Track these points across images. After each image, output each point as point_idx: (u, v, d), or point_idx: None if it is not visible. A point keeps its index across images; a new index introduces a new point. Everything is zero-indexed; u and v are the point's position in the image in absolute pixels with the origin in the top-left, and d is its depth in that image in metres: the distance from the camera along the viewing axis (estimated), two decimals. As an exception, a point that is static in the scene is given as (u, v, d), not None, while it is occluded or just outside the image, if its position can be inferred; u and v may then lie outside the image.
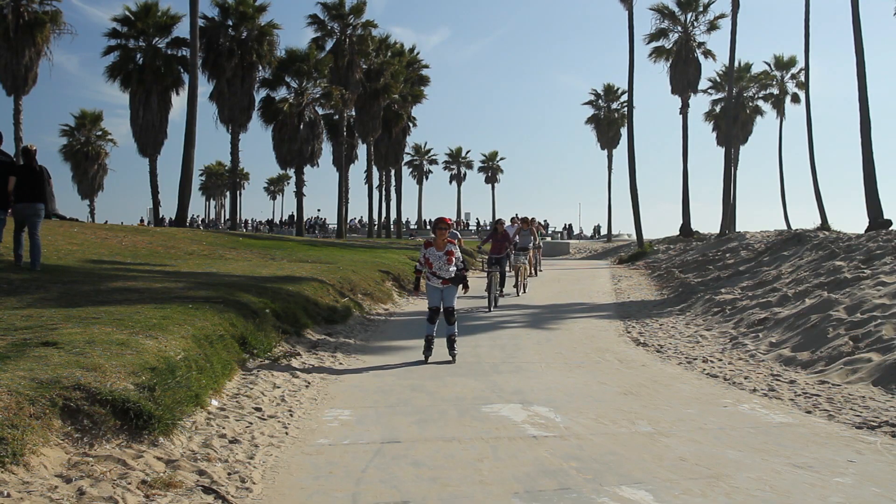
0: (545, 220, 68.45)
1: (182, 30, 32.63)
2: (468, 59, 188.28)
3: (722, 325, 11.32)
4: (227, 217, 54.84)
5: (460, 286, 8.41)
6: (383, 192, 48.63)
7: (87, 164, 45.18)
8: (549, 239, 46.26)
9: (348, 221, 49.10)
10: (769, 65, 44.77)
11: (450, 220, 8.28)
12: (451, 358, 8.24)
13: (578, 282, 20.70)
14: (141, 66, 32.18)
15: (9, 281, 8.69)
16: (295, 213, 44.80)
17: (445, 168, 78.55)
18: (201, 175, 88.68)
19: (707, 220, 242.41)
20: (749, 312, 11.47)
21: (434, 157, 76.25)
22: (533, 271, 20.59)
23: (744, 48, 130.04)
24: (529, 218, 19.78)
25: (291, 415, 5.74)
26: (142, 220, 50.08)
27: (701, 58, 36.06)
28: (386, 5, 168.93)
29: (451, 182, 78.71)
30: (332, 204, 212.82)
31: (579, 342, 10.08)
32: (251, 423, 5.37)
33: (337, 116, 41.03)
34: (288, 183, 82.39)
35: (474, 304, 13.71)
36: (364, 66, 40.16)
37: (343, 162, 42.03)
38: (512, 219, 24.35)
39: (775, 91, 44.70)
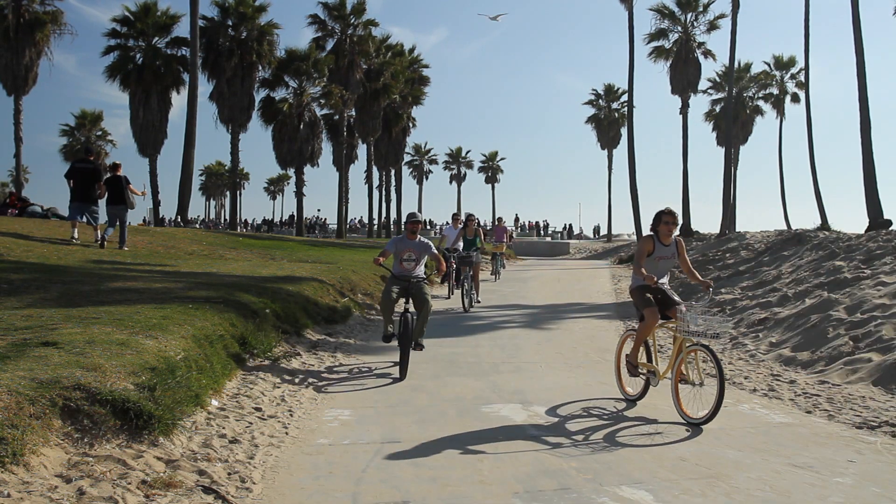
0: (544, 221, 68.34)
1: (182, 30, 32.68)
2: (467, 59, 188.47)
3: (722, 324, 11.31)
4: (227, 217, 54.83)
5: None
6: (383, 192, 48.65)
7: (87, 164, 45.14)
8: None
9: (348, 221, 49.11)
10: (769, 65, 44.82)
11: None
12: None
13: (578, 282, 20.70)
14: (141, 65, 32.16)
15: (9, 281, 8.69)
16: (295, 213, 44.81)
17: (445, 168, 78.63)
18: (201, 175, 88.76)
19: (707, 220, 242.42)
20: (749, 312, 11.47)
21: (434, 157, 76.33)
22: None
23: (744, 48, 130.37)
24: (468, 216, 14.70)
25: (291, 415, 5.74)
26: (144, 220, 50.10)
27: (701, 58, 36.11)
28: (383, 5, 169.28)
29: (451, 182, 78.85)
30: (332, 204, 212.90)
31: (579, 342, 10.07)
32: (251, 423, 5.37)
33: (337, 116, 41.01)
34: (288, 183, 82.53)
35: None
36: (364, 66, 40.14)
37: (343, 162, 42.03)
38: (499, 219, 24.70)
39: (775, 91, 44.73)
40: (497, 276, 20.08)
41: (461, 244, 14.16)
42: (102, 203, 14.17)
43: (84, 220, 14.14)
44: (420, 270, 7.86)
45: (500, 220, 24.67)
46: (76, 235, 14.12)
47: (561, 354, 9.04)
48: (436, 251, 8.01)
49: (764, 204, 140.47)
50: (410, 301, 7.67)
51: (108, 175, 13.92)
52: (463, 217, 14.96)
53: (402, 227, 8.06)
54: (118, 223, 14.24)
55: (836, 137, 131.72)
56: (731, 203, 34.42)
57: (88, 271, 10.60)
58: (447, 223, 16.04)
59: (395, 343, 7.66)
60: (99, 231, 14.29)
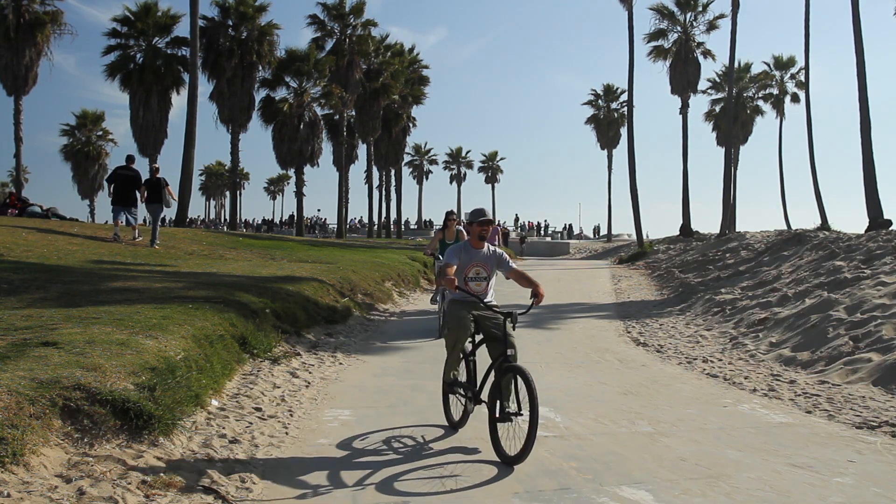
0: (544, 221, 68.28)
1: (182, 30, 32.65)
2: (466, 59, 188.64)
3: (722, 325, 11.32)
4: (227, 217, 54.85)
5: None
6: (383, 192, 48.67)
7: (88, 164, 45.14)
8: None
9: (348, 221, 49.13)
10: (769, 65, 44.82)
11: None
12: None
13: (578, 282, 20.70)
14: (141, 65, 32.14)
15: (9, 281, 8.69)
16: (295, 213, 44.82)
17: (445, 168, 78.64)
18: (201, 175, 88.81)
19: (707, 220, 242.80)
20: (749, 312, 11.47)
21: (434, 157, 76.36)
22: None
23: (744, 48, 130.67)
24: (447, 214, 10.99)
25: (291, 415, 5.74)
26: (144, 221, 50.04)
27: (700, 58, 36.10)
28: (382, 5, 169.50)
29: (451, 182, 78.83)
30: (332, 204, 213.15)
31: (579, 342, 10.08)
32: (251, 423, 5.37)
33: (337, 116, 41.03)
34: (288, 183, 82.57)
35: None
36: (364, 66, 40.16)
37: (343, 162, 42.03)
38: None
39: (775, 91, 44.74)
40: None
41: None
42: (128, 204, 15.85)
43: (123, 221, 15.67)
44: (492, 293, 5.42)
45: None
46: (119, 234, 15.76)
47: (561, 354, 9.04)
48: (514, 265, 5.39)
49: (764, 204, 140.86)
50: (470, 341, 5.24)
51: (149, 177, 15.58)
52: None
53: (459, 227, 4.91)
54: (154, 221, 15.89)
55: (836, 137, 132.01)
56: (731, 203, 34.40)
57: (88, 271, 10.60)
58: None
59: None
60: (136, 230, 16.25)
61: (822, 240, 16.03)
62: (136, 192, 15.36)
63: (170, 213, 44.01)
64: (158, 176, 15.64)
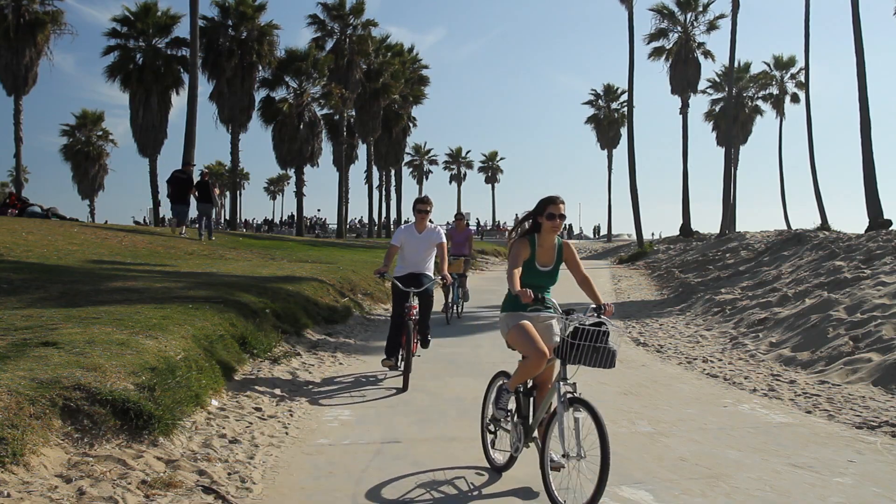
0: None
1: (182, 30, 32.68)
2: (466, 59, 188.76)
3: (722, 325, 11.32)
4: (227, 217, 54.86)
5: None
6: (383, 192, 48.68)
7: (88, 164, 45.14)
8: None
9: (348, 221, 49.11)
10: (769, 65, 44.84)
11: None
12: None
13: (578, 282, 20.68)
14: (141, 66, 32.18)
15: (9, 281, 8.69)
16: (295, 213, 44.84)
17: (445, 168, 78.68)
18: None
19: (707, 220, 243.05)
20: (749, 312, 11.46)
21: (434, 157, 76.37)
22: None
23: (744, 48, 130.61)
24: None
25: (291, 415, 5.74)
26: (144, 220, 50.05)
27: (701, 58, 36.15)
28: (381, 5, 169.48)
29: (451, 182, 78.89)
30: (332, 204, 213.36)
31: (579, 342, 10.06)
32: (251, 423, 5.36)
33: (337, 116, 41.02)
34: (288, 183, 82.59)
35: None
36: (364, 66, 40.16)
37: (343, 162, 42.03)
38: (458, 215, 13.97)
39: (775, 91, 44.75)
40: (455, 313, 11.87)
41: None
42: (174, 203, 18.62)
43: (180, 223, 19.08)
44: None
45: (459, 216, 13.83)
46: (184, 231, 19.02)
47: (561, 354, 9.02)
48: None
49: (764, 204, 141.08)
50: None
51: (198, 180, 18.36)
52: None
53: None
54: (205, 217, 18.66)
55: (836, 137, 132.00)
56: (731, 203, 34.40)
57: (88, 271, 10.60)
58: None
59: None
60: (183, 227, 19.22)
61: (822, 240, 16.03)
62: (190, 193, 18.21)
63: (169, 212, 44.04)
64: (206, 179, 18.34)
